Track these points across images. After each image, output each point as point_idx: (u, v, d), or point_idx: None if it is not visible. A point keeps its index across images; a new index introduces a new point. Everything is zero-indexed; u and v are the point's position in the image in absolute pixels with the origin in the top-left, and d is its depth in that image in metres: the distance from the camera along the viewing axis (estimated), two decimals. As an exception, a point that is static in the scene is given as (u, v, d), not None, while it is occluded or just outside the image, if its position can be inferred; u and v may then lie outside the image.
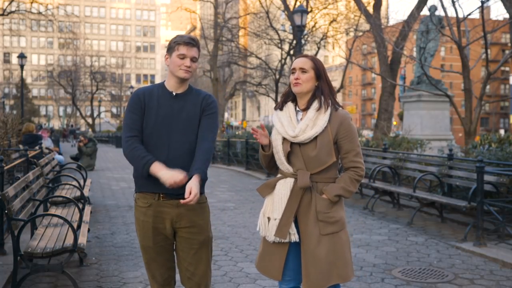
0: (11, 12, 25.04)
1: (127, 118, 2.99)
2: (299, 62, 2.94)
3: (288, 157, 2.91)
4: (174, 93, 3.01)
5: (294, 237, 2.87)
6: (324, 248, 2.84)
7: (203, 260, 3.02)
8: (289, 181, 2.90)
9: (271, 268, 2.94)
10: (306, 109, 2.95)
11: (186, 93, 3.04)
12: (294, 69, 2.95)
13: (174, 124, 2.95)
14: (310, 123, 2.86)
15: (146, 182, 2.92)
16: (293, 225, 2.87)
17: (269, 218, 2.94)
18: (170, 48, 2.98)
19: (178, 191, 2.84)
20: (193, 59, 2.96)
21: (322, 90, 2.93)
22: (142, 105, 2.97)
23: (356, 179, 2.92)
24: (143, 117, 2.96)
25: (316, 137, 2.85)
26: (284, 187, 2.90)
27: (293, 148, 2.90)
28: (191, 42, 2.94)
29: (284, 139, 2.92)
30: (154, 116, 2.94)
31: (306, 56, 2.98)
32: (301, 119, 2.95)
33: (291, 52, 24.79)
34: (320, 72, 2.94)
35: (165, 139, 2.93)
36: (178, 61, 2.93)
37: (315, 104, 2.91)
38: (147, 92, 3.02)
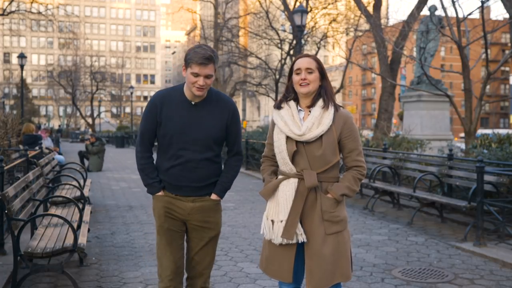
0: (11, 12, 25.02)
1: (142, 126, 3.15)
2: (305, 63, 2.91)
3: (292, 157, 2.89)
4: (193, 103, 3.05)
5: (302, 237, 2.86)
6: (329, 248, 2.84)
7: (210, 252, 3.23)
8: (293, 182, 2.88)
9: (281, 271, 2.93)
10: (309, 107, 2.93)
11: (205, 101, 3.07)
12: (299, 69, 2.92)
13: (194, 134, 3.02)
14: (316, 122, 2.85)
15: (164, 183, 3.12)
16: (299, 225, 2.86)
17: (273, 221, 2.92)
18: (186, 62, 2.99)
19: (192, 193, 3.06)
20: (208, 76, 2.95)
21: (326, 89, 2.94)
22: (157, 115, 3.05)
23: (359, 178, 2.93)
24: (158, 126, 3.06)
25: (321, 136, 2.84)
26: (288, 188, 2.88)
27: (297, 147, 2.88)
28: (204, 62, 2.91)
29: (287, 138, 2.90)
30: (173, 126, 3.02)
31: (308, 56, 2.96)
32: (303, 118, 2.94)
33: (291, 52, 24.78)
34: (323, 71, 2.95)
35: (185, 149, 3.02)
36: (192, 79, 2.96)
37: (320, 103, 2.90)
38: (167, 98, 3.07)
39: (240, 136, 3.22)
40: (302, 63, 2.92)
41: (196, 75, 2.93)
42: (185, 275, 3.26)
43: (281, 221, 2.87)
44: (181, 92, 3.08)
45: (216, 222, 3.18)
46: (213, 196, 3.13)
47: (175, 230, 3.13)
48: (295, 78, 2.93)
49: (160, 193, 3.11)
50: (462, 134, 34.03)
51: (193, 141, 3.02)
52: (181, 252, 3.18)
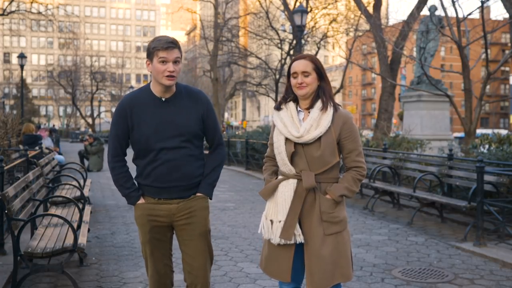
0: (11, 12, 25.04)
1: (112, 134, 3.01)
2: (300, 66, 2.88)
3: (291, 158, 2.89)
4: (163, 99, 2.94)
5: (300, 238, 2.86)
6: (328, 248, 2.84)
7: (202, 252, 3.04)
8: (292, 182, 2.88)
9: (280, 271, 2.93)
10: (308, 108, 2.93)
11: (175, 96, 2.97)
12: (295, 73, 2.89)
13: (168, 132, 2.91)
14: (314, 123, 2.84)
15: (146, 189, 3.00)
16: (297, 226, 2.86)
17: (272, 221, 2.92)
18: (150, 54, 2.87)
19: (178, 194, 2.97)
20: (176, 61, 2.85)
21: (324, 90, 2.92)
22: (127, 120, 2.93)
23: (359, 178, 2.92)
24: (129, 130, 2.95)
25: (320, 137, 2.83)
26: (287, 189, 2.88)
27: (296, 148, 2.87)
28: (170, 45, 2.82)
29: (286, 139, 2.90)
30: (147, 127, 2.90)
31: (304, 57, 2.92)
32: (303, 119, 2.94)
33: (291, 52, 24.78)
34: (321, 71, 2.91)
35: (160, 149, 2.91)
36: (160, 67, 2.83)
37: (319, 104, 2.89)
38: (134, 100, 2.95)
39: (218, 126, 3.13)
40: (298, 67, 2.88)
41: (164, 61, 2.81)
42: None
43: (280, 222, 2.87)
44: (148, 91, 2.95)
45: (204, 217, 3.04)
46: (199, 194, 3.03)
47: (159, 238, 3.03)
48: (292, 81, 2.91)
49: (140, 201, 2.99)
50: (456, 134, 34.13)
51: (170, 138, 2.89)
52: (165, 260, 3.09)
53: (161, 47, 2.81)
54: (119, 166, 3.00)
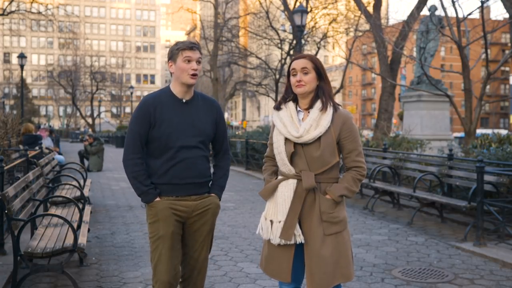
0: (11, 12, 25.05)
1: (133, 131, 3.07)
2: (300, 63, 2.89)
3: (291, 158, 2.89)
4: (184, 100, 3.09)
5: (300, 238, 2.85)
6: (329, 248, 2.84)
7: (207, 247, 3.23)
8: (292, 182, 2.87)
9: (280, 271, 2.93)
10: (308, 108, 2.93)
11: (194, 99, 3.13)
12: (294, 70, 2.90)
13: (188, 132, 3.05)
14: (313, 123, 2.84)
15: (163, 188, 3.07)
16: (297, 226, 2.85)
17: (271, 221, 2.92)
18: (174, 55, 3.04)
19: (194, 191, 3.10)
20: (199, 61, 3.04)
21: (324, 90, 2.91)
22: (150, 118, 3.03)
23: (359, 178, 2.92)
24: (150, 129, 3.04)
25: (319, 137, 2.83)
26: (287, 189, 2.87)
27: (296, 148, 2.87)
28: (194, 46, 3.02)
29: (286, 139, 2.90)
30: (169, 127, 3.02)
31: (305, 56, 2.93)
32: (302, 119, 2.93)
33: (291, 52, 24.77)
34: (320, 71, 2.91)
35: (183, 147, 3.04)
36: (184, 66, 3.00)
37: (318, 104, 2.89)
38: (157, 100, 3.07)
39: (227, 133, 3.31)
40: (297, 64, 2.90)
41: (189, 60, 2.99)
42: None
43: (280, 222, 2.87)
44: (169, 92, 3.10)
45: (216, 215, 3.24)
46: (212, 195, 3.21)
47: (178, 232, 3.10)
48: (292, 79, 2.91)
49: (157, 199, 3.06)
50: (456, 134, 34.14)
51: (190, 138, 3.05)
52: (180, 256, 3.15)
53: (186, 47, 3.02)
54: (140, 163, 3.06)
